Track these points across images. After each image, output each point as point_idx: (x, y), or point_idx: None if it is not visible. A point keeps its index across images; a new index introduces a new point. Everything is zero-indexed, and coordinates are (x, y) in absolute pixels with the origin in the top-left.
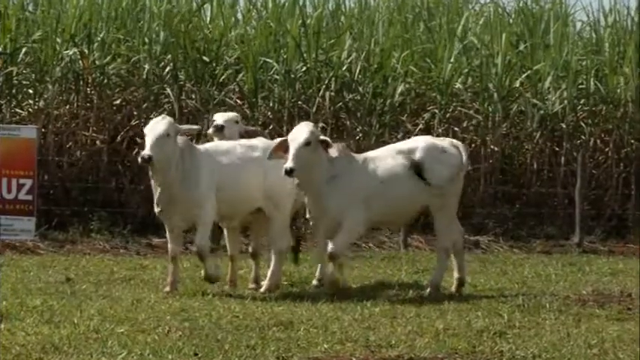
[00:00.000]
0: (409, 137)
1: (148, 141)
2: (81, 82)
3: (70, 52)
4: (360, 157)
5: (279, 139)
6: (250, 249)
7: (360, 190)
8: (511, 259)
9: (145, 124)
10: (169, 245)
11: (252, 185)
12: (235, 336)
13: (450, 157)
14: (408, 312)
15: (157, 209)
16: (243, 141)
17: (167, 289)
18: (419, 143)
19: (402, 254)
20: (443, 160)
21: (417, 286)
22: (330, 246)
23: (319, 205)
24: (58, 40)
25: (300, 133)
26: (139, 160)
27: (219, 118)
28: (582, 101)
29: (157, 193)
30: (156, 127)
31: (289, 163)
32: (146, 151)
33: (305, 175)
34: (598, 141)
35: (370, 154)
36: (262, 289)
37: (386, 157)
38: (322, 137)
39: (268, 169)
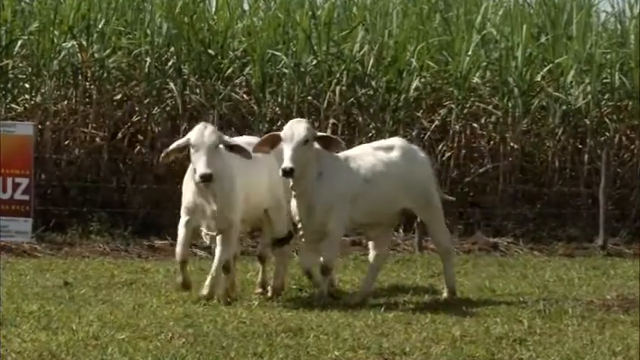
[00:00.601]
0: (424, 134)
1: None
2: (79, 77)
3: (68, 45)
4: (342, 155)
5: (267, 135)
6: (257, 252)
7: (347, 189)
8: (531, 263)
9: (147, 120)
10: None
11: (263, 186)
12: (241, 343)
13: (421, 158)
14: (423, 318)
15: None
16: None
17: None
18: (395, 142)
19: (416, 257)
20: (417, 160)
21: (433, 290)
22: (321, 259)
23: (307, 206)
24: (56, 32)
25: (298, 130)
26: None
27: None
28: (607, 96)
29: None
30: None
31: (288, 163)
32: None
33: (300, 174)
34: (623, 138)
35: (350, 152)
36: (269, 294)
37: (367, 155)
38: (321, 134)
39: (272, 168)
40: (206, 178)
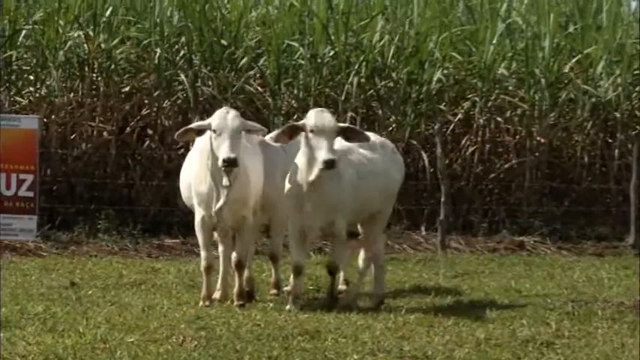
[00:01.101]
0: (447, 128)
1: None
2: (86, 68)
3: (74, 35)
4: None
5: (288, 125)
6: (268, 251)
7: (350, 184)
8: (559, 262)
9: (157, 113)
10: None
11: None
12: (256, 346)
13: (399, 159)
14: (446, 320)
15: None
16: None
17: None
18: (376, 140)
19: (439, 256)
20: (395, 161)
21: (456, 291)
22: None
23: (319, 201)
24: (61, 21)
25: (331, 121)
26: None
27: None
28: (638, 88)
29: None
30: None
31: (330, 155)
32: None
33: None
34: None
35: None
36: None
37: (354, 151)
38: (345, 125)
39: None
40: (230, 162)
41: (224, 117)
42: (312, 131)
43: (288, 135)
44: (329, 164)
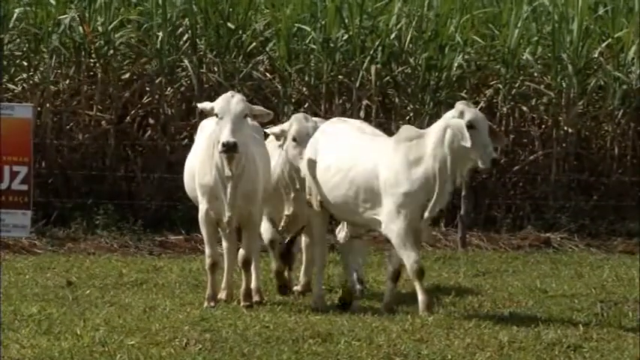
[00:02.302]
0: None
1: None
2: (82, 53)
3: (68, 17)
4: None
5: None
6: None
7: None
8: (587, 260)
9: (159, 101)
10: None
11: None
12: (265, 349)
13: None
14: (466, 322)
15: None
16: None
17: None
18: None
19: (459, 254)
20: None
21: (478, 291)
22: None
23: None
24: (53, 1)
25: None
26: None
27: None
28: None
29: None
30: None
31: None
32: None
33: None
34: None
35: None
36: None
37: None
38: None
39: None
40: (229, 147)
41: (228, 100)
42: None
43: None
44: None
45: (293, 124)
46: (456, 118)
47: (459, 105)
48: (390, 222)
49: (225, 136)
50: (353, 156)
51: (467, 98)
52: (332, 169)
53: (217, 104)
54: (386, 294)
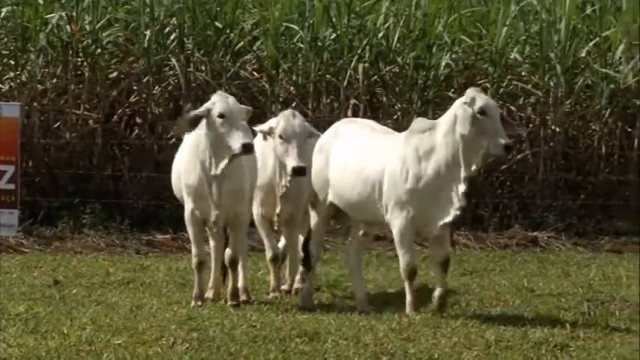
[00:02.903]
0: None
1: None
2: (70, 52)
3: (56, 16)
4: None
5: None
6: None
7: None
8: (575, 259)
9: (146, 100)
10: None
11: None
12: (252, 349)
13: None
14: (453, 321)
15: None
16: None
17: None
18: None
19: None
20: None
21: (465, 290)
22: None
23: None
24: (41, 0)
25: None
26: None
27: None
28: None
29: None
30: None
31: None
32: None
33: None
34: None
35: None
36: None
37: None
38: None
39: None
40: (250, 149)
41: (226, 101)
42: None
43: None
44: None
45: (280, 121)
46: (464, 106)
47: (470, 92)
48: (394, 217)
49: (241, 138)
50: (367, 155)
51: (454, 97)
52: (347, 170)
53: (220, 106)
54: (437, 284)
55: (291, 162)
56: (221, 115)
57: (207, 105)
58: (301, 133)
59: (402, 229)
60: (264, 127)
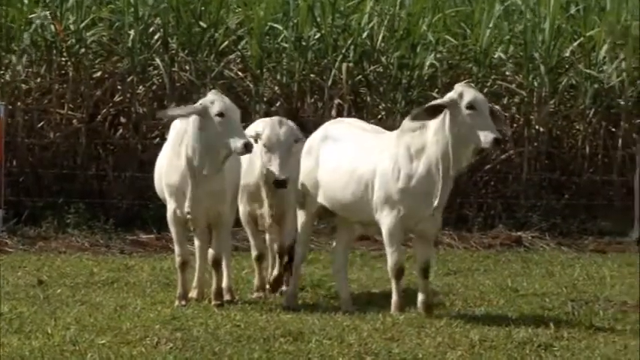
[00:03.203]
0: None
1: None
2: (54, 51)
3: (40, 15)
4: None
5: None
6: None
7: None
8: (559, 259)
9: (130, 100)
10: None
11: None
12: (236, 348)
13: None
14: (437, 321)
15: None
16: None
17: None
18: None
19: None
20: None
21: (449, 290)
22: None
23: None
24: (25, 0)
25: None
26: None
27: None
28: None
29: None
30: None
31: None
32: None
33: None
34: None
35: None
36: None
37: None
38: None
39: None
40: (251, 148)
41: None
42: None
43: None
44: None
45: (265, 129)
46: (453, 101)
47: (458, 86)
48: (383, 215)
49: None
50: (358, 155)
51: (439, 97)
52: (339, 171)
53: (219, 105)
54: (420, 290)
55: (273, 173)
56: (220, 114)
57: (204, 103)
58: (285, 142)
59: (391, 228)
60: (250, 131)
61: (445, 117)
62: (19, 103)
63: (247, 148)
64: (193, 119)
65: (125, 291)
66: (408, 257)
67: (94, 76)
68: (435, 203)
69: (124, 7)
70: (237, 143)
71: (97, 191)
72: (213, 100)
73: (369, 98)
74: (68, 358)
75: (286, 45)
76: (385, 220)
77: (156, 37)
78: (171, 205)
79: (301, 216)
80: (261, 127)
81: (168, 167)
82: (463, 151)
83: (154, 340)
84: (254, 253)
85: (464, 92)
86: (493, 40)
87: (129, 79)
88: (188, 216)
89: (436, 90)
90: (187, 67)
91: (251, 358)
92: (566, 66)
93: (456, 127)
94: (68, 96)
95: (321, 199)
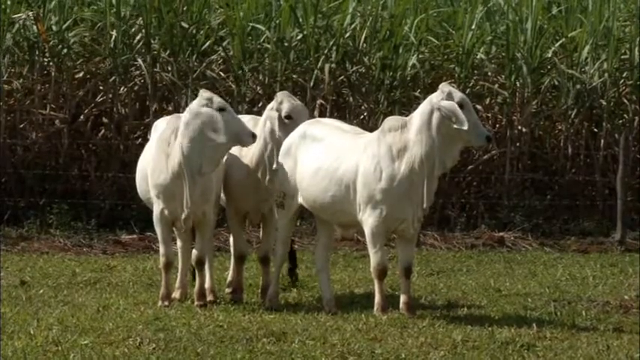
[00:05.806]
0: None
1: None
2: (36, 52)
3: (23, 16)
4: None
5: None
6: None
7: None
8: (541, 259)
9: (112, 100)
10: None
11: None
12: (219, 349)
13: None
14: (420, 321)
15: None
16: None
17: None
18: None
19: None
20: None
21: (432, 290)
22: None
23: None
24: (8, 1)
25: None
26: None
27: None
28: (625, 74)
29: None
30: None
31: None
32: None
33: None
34: None
35: None
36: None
37: None
38: None
39: None
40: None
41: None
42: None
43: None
44: None
45: (283, 102)
46: (445, 101)
47: (445, 87)
48: (366, 215)
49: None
50: (339, 156)
51: (421, 97)
52: (320, 173)
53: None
54: (402, 291)
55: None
56: (221, 109)
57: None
58: (305, 110)
59: (373, 228)
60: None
61: (432, 117)
62: (1, 104)
63: (253, 137)
64: (186, 119)
65: (108, 291)
66: (391, 257)
67: (77, 76)
68: (425, 204)
69: (106, 7)
70: (245, 138)
71: (80, 192)
72: (213, 97)
73: (351, 99)
74: (51, 359)
75: (268, 45)
76: (368, 220)
77: (138, 37)
78: (158, 206)
79: (281, 216)
80: (275, 103)
81: (156, 167)
82: (451, 150)
83: (136, 340)
84: (236, 252)
85: (452, 92)
86: (475, 40)
87: (111, 80)
88: (183, 215)
89: (418, 90)
90: (169, 68)
91: (234, 358)
92: (549, 66)
93: (445, 126)
94: (50, 96)
95: (300, 200)
